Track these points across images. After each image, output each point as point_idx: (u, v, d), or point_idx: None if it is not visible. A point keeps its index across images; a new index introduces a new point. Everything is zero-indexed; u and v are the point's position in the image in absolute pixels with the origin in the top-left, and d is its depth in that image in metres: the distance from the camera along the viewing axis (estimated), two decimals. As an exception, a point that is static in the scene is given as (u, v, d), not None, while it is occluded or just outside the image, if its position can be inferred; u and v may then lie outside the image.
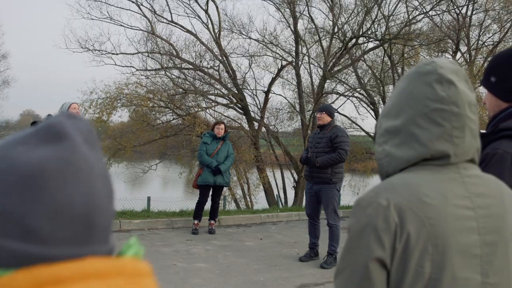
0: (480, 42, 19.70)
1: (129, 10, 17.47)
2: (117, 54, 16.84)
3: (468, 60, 19.56)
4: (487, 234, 1.32)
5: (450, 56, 19.35)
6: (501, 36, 19.15)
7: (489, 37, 19.71)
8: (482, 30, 19.44)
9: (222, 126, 8.93)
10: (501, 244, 1.33)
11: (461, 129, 1.33)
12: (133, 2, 16.78)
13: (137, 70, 17.12)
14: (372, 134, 20.48)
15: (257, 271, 6.55)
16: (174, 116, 18.07)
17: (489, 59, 19.35)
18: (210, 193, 8.81)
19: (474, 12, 18.67)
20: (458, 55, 19.42)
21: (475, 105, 1.39)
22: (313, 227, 7.30)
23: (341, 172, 7.03)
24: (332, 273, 6.58)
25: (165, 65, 17.37)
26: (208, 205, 8.97)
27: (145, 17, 17.16)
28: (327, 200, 6.97)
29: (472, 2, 17.65)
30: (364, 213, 1.31)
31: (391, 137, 1.40)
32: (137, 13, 17.12)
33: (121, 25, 16.94)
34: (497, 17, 18.83)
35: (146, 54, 17.24)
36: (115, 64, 17.04)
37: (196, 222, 8.75)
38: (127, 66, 17.32)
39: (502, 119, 1.90)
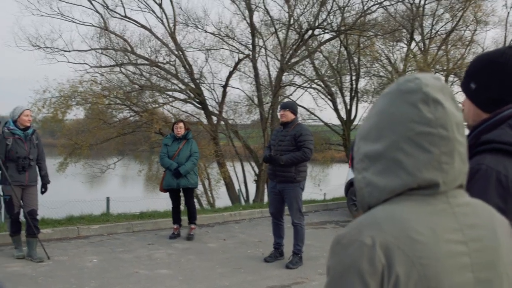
0: (433, 31, 19.99)
1: (81, 5, 17.02)
2: (69, 51, 16.39)
3: (423, 49, 19.84)
4: (481, 270, 1.19)
5: (405, 46, 19.58)
6: (453, 25, 19.50)
7: (442, 26, 20.06)
8: (435, 19, 19.73)
9: (181, 125, 8.48)
10: (495, 281, 1.21)
11: (450, 155, 1.19)
12: (84, -3, 16.29)
13: (91, 67, 16.69)
14: (330, 124, 20.60)
15: (222, 275, 6.38)
16: (131, 113, 17.70)
17: (442, 47, 19.67)
18: (181, 194, 8.56)
19: (427, 2, 18.93)
20: (413, 44, 19.67)
21: (463, 126, 1.25)
22: (277, 226, 7.17)
23: (304, 170, 6.91)
24: (298, 273, 6.50)
25: (120, 61, 16.96)
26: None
27: (98, 12, 16.70)
28: (291, 199, 6.85)
29: (425, -8, 17.88)
30: (345, 253, 1.16)
31: (372, 164, 1.25)
32: (89, 8, 16.64)
33: (73, 21, 16.45)
34: (449, 6, 19.10)
35: (100, 50, 16.78)
36: (68, 62, 16.59)
37: (175, 226, 8.53)
38: (80, 63, 16.88)
39: (483, 130, 1.77)
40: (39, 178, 7.03)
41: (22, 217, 7.00)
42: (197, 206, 16.13)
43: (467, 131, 1.89)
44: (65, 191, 16.11)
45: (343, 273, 1.15)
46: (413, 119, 1.19)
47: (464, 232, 1.20)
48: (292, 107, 7.10)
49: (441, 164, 1.18)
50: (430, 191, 1.20)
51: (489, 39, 40.77)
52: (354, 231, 1.18)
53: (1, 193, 6.93)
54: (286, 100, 18.50)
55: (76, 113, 17.41)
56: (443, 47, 19.98)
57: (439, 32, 20.09)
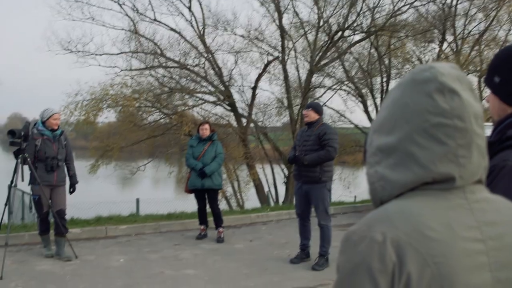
0: (466, 31, 19.58)
1: (111, 10, 17.19)
2: (101, 55, 16.61)
3: (455, 50, 19.46)
4: (500, 270, 1.12)
5: (437, 47, 19.25)
6: (486, 25, 19.05)
7: (475, 26, 19.61)
8: (468, 19, 19.32)
9: (207, 126, 8.48)
10: (516, 281, 1.13)
11: (467, 147, 1.12)
12: (115, 1, 16.52)
13: (121, 70, 16.89)
14: (360, 126, 20.38)
15: (247, 276, 6.35)
16: (161, 116, 17.86)
17: (475, 48, 19.27)
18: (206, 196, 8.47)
19: (459, 2, 18.55)
20: (445, 45, 19.32)
21: (482, 117, 1.17)
22: (304, 227, 7.10)
23: (330, 170, 6.81)
24: (324, 274, 6.42)
25: (150, 64, 17.13)
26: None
27: (128, 16, 16.92)
28: (317, 200, 6.77)
29: (457, -9, 17.55)
30: (355, 251, 1.10)
31: (384, 157, 1.19)
32: (119, 12, 16.94)
33: (104, 25, 16.69)
34: (482, 5, 18.69)
35: (130, 54, 16.98)
36: (99, 65, 16.86)
37: (202, 227, 8.54)
38: (111, 67, 17.15)
39: (509, 125, 1.69)
40: (67, 178, 7.12)
41: (51, 217, 7.11)
42: (226, 207, 16.21)
43: (491, 127, 1.81)
44: (97, 192, 16.37)
45: (352, 271, 1.09)
46: (428, 109, 1.13)
47: (481, 229, 1.13)
48: (315, 107, 7.04)
49: (457, 157, 1.12)
50: (445, 186, 1.13)
51: (524, 39, 39.79)
52: (364, 227, 1.13)
53: (31, 193, 7.05)
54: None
55: (107, 116, 17.66)
56: (476, 48, 19.54)
57: (472, 32, 19.66)
